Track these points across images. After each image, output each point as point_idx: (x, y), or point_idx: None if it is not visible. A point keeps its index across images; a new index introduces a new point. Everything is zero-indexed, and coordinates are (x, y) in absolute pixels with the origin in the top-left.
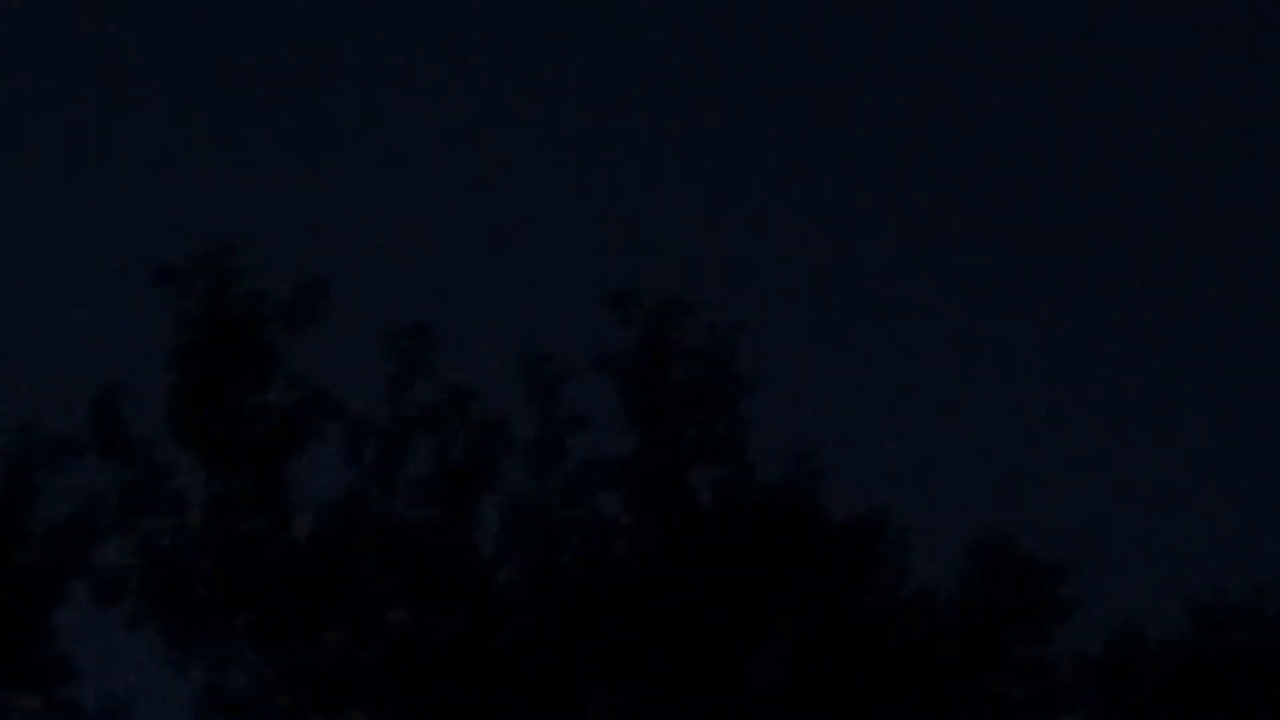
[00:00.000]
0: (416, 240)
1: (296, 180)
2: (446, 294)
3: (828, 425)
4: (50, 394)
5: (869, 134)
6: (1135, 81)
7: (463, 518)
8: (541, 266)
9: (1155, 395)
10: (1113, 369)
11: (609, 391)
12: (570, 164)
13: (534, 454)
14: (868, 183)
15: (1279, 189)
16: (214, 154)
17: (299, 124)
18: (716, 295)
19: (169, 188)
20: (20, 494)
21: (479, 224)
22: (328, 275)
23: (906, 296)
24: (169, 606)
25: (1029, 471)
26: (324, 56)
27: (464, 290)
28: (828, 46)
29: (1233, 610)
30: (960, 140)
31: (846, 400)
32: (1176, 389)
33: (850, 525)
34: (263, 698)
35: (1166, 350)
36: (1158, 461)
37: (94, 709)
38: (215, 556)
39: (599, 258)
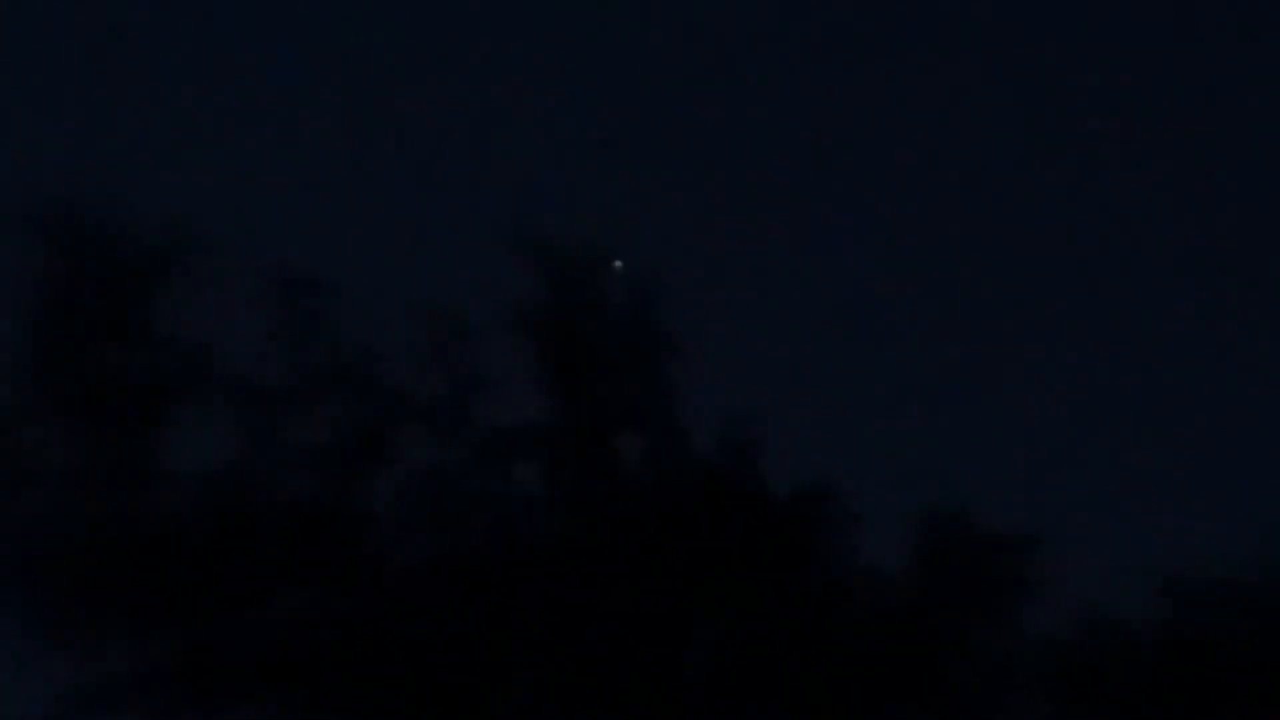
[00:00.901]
0: (305, 186)
1: (168, 116)
2: (339, 244)
3: (767, 392)
4: None
5: (807, 97)
6: (1135, 80)
7: (356, 491)
8: (444, 213)
9: (1121, 369)
10: (1074, 342)
11: (523, 350)
12: (481, 102)
13: (437, 420)
14: (810, 144)
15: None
16: (78, 92)
17: (178, 61)
18: (645, 250)
19: (27, 126)
20: None
21: (375, 168)
22: (206, 222)
23: (855, 262)
24: (25, 593)
25: (987, 443)
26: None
27: (359, 239)
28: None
29: (1203, 591)
30: (911, 117)
31: (787, 366)
32: (1141, 363)
33: (792, 499)
34: (129, 693)
35: (1130, 324)
36: (1123, 439)
37: None
38: (78, 536)
39: (511, 206)
